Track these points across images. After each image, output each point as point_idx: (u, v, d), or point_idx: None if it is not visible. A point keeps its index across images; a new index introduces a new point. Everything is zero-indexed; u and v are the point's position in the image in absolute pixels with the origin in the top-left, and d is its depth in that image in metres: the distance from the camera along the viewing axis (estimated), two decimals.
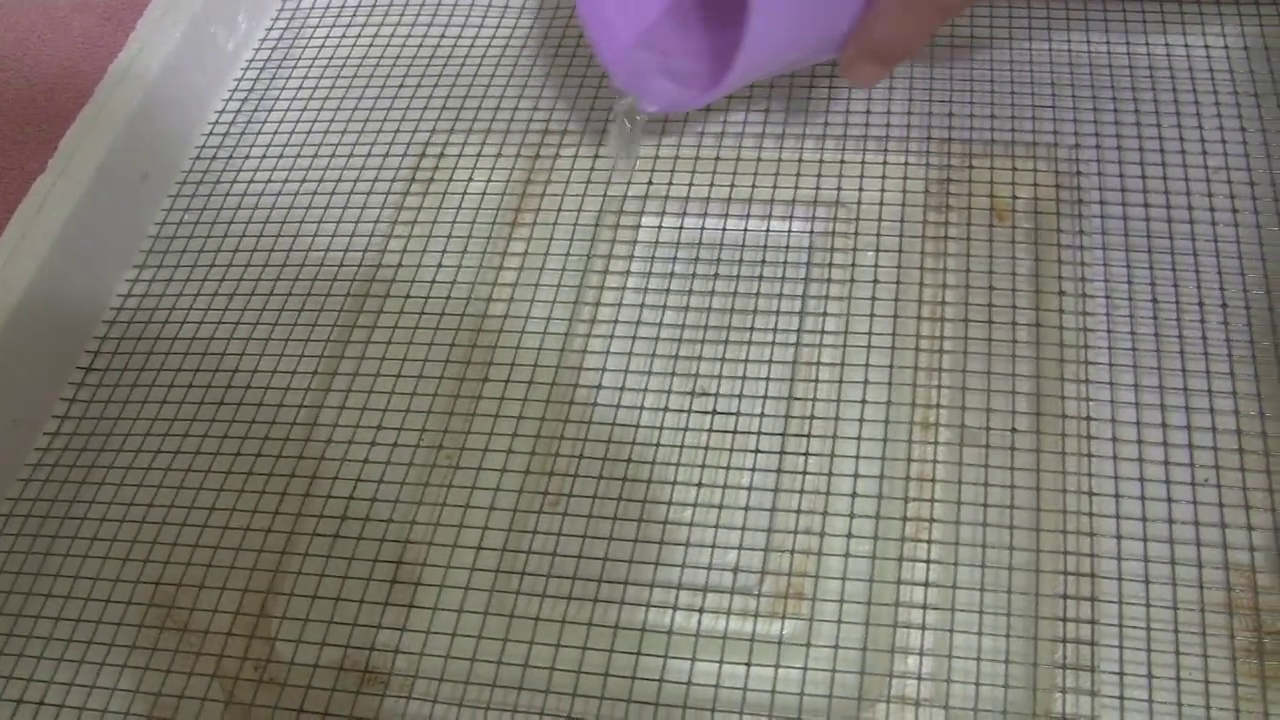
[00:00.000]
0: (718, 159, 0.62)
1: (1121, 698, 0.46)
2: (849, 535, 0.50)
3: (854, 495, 0.51)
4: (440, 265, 0.61)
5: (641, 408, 0.55)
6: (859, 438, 0.53)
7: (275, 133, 0.68)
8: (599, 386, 0.55)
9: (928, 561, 0.50)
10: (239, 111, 0.70)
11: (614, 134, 0.56)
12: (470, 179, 0.64)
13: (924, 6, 0.46)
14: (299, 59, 0.72)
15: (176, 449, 0.57)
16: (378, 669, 0.50)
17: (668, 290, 0.58)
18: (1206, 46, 0.63)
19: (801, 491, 0.52)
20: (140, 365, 0.60)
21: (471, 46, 0.70)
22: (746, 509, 0.52)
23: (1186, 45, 0.63)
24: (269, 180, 0.66)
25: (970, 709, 0.46)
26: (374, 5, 0.73)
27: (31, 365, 0.58)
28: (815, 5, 0.48)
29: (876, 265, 0.57)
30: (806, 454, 0.53)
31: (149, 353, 0.61)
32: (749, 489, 0.52)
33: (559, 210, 0.62)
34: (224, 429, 0.57)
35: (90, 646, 0.52)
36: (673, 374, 0.55)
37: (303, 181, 0.66)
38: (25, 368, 0.58)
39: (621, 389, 0.55)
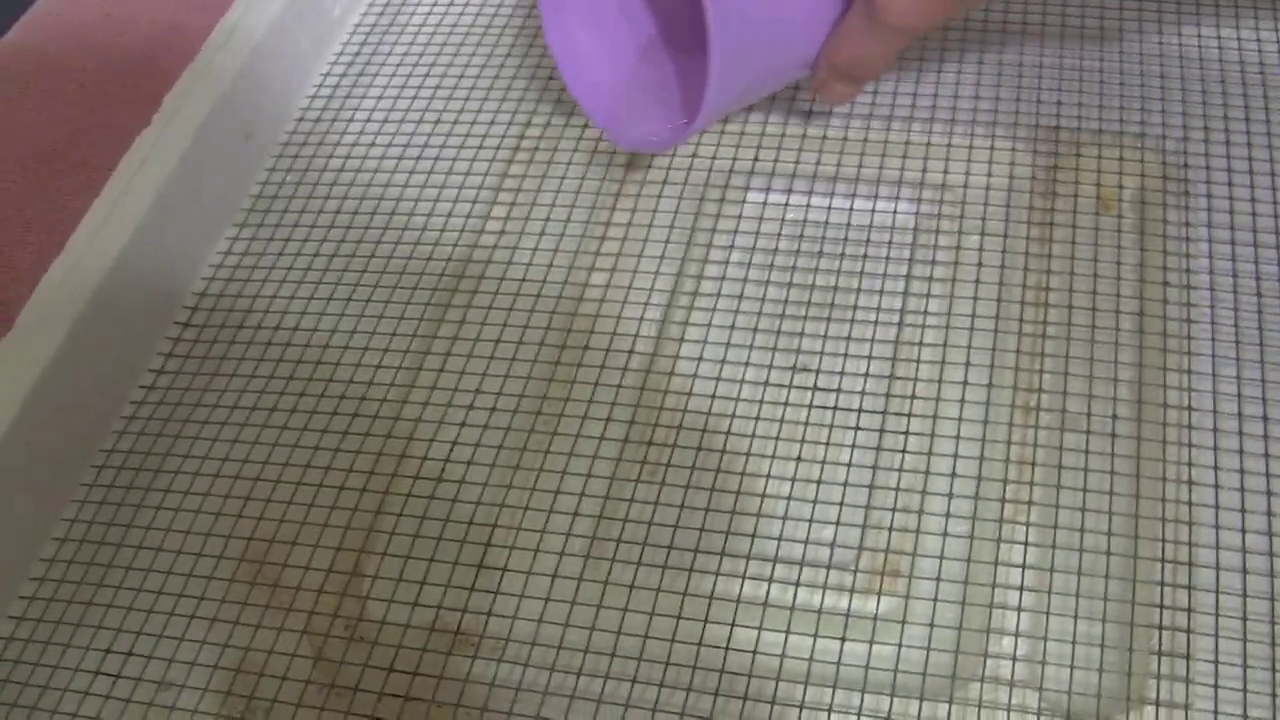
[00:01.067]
0: (824, 138, 0.62)
1: (1216, 685, 0.46)
2: (947, 515, 0.50)
3: (953, 475, 0.51)
4: (541, 236, 0.61)
5: (741, 381, 0.55)
6: (959, 419, 0.53)
7: (379, 99, 0.69)
8: (700, 359, 0.55)
9: (1025, 544, 0.49)
10: (343, 76, 0.71)
11: None
12: (575, 150, 0.64)
13: (884, 30, 0.47)
14: (406, 25, 0.73)
15: (272, 407, 0.57)
16: (469, 631, 0.50)
17: (771, 266, 0.58)
18: None
19: (900, 470, 0.52)
20: (238, 323, 0.61)
21: None
22: (845, 485, 0.51)
23: None
24: (371, 146, 0.66)
25: (1064, 691, 0.46)
26: None
27: (129, 321, 0.59)
28: (774, 39, 0.48)
29: (981, 249, 0.57)
30: (906, 433, 0.52)
31: (247, 310, 0.61)
32: (848, 465, 0.52)
33: (663, 183, 0.62)
34: (320, 389, 0.58)
35: (180, 599, 0.53)
36: (774, 349, 0.55)
37: (405, 149, 0.66)
38: (123, 324, 0.58)
39: (722, 362, 0.55)
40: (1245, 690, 0.46)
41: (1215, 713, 0.45)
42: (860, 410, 0.54)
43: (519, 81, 0.68)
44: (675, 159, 0.63)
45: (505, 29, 0.71)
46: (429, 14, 0.73)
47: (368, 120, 0.68)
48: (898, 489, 0.51)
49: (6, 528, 0.54)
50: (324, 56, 0.71)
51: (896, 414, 0.53)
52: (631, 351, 0.57)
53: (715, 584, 0.50)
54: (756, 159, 0.62)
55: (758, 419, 0.54)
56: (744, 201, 0.60)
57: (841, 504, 0.51)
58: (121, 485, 0.57)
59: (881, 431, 0.53)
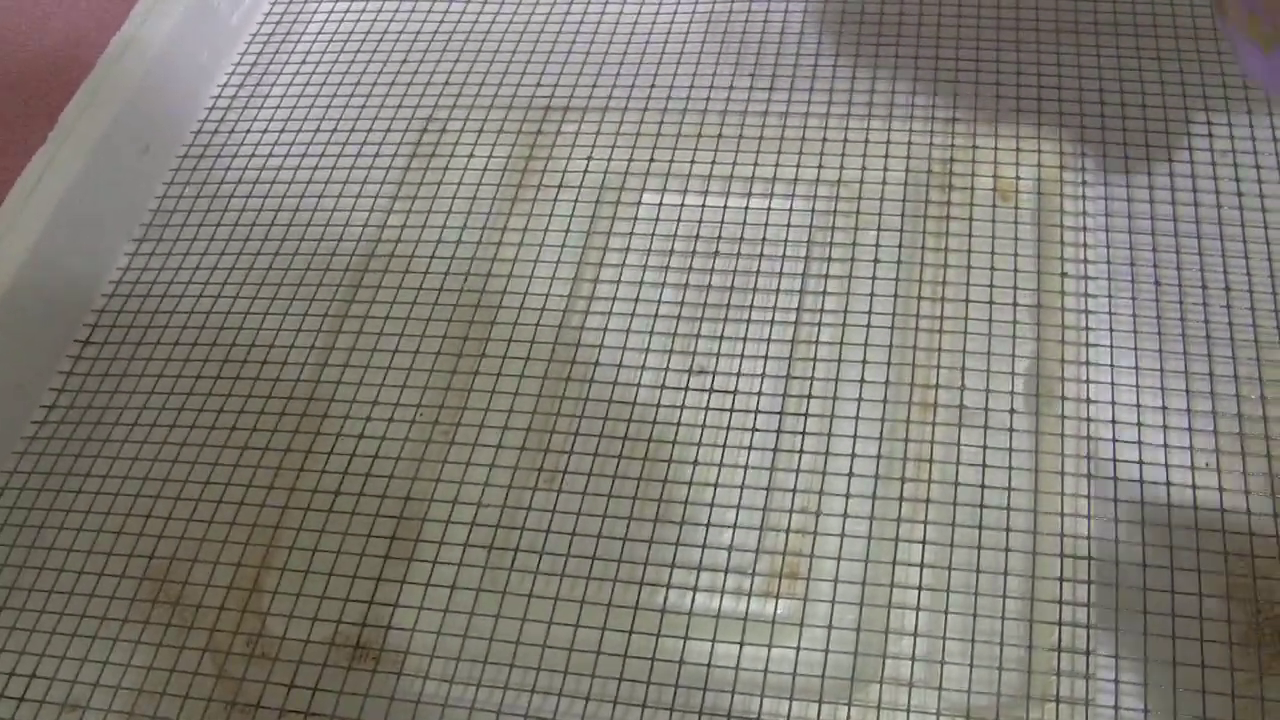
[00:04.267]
0: (720, 135, 0.62)
1: (1117, 680, 0.46)
2: (845, 515, 0.50)
3: (850, 475, 0.51)
4: (440, 240, 0.61)
5: (639, 385, 0.55)
6: (857, 417, 0.53)
7: (278, 107, 0.68)
8: (596, 364, 0.55)
9: (923, 543, 0.49)
10: (242, 85, 0.70)
11: None
12: (471, 154, 0.64)
13: None
14: (302, 34, 0.72)
15: (173, 422, 0.57)
16: (369, 645, 0.50)
17: (667, 267, 0.58)
18: (1217, 39, 0.62)
19: (798, 470, 0.51)
20: (138, 339, 0.60)
21: (475, 23, 0.70)
22: (742, 487, 0.51)
23: (1196, 34, 0.62)
24: (270, 155, 0.66)
25: (964, 690, 0.46)
26: None
27: (29, 340, 0.58)
28: None
29: (878, 245, 0.57)
30: (803, 433, 0.52)
31: (147, 326, 0.60)
32: (745, 467, 0.52)
33: (559, 186, 0.61)
34: (220, 403, 0.57)
35: (83, 620, 0.52)
36: (670, 351, 0.55)
37: (304, 156, 0.65)
38: (23, 342, 0.58)
39: (619, 366, 0.55)
40: (1145, 684, 0.46)
41: (1116, 708, 0.45)
42: (757, 411, 0.53)
43: (415, 86, 0.68)
44: (571, 160, 0.62)
45: (400, 35, 0.71)
46: (325, 21, 0.72)
47: (266, 128, 0.67)
48: (795, 490, 0.51)
49: None
50: (222, 67, 0.71)
51: (793, 414, 0.53)
52: (528, 359, 0.57)
53: (613, 591, 0.50)
54: (652, 159, 0.61)
55: (654, 423, 0.54)
56: (639, 203, 0.60)
57: (739, 506, 0.51)
58: (24, 506, 0.56)
59: (779, 432, 0.53)
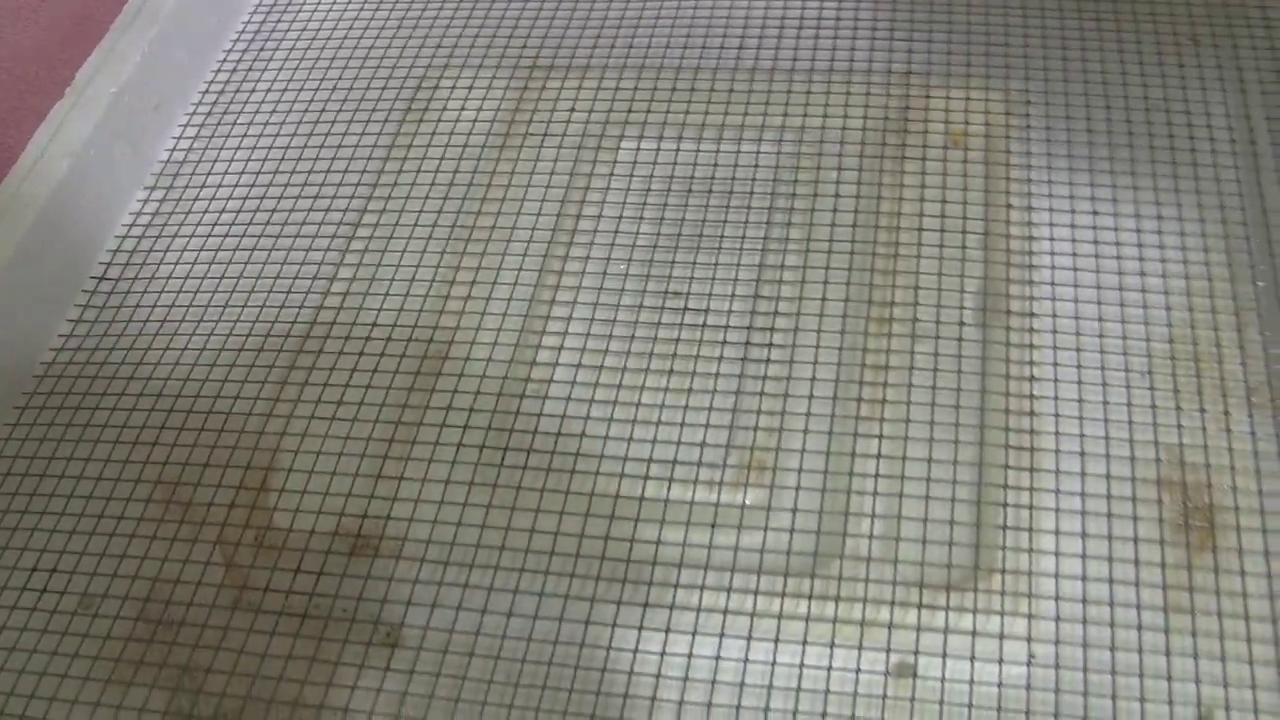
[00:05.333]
0: (692, 90, 0.66)
1: (1057, 553, 0.50)
2: (808, 414, 0.54)
3: (813, 379, 0.55)
4: (434, 183, 0.65)
5: (618, 305, 0.59)
6: (819, 330, 0.57)
7: (280, 69, 0.73)
8: (579, 288, 0.60)
9: (879, 437, 0.54)
10: (246, 50, 0.75)
11: None
12: (457, 120, 0.68)
13: None
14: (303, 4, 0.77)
15: (184, 346, 0.61)
16: (370, 534, 0.54)
17: (644, 204, 0.62)
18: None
19: (765, 378, 0.56)
20: (151, 274, 0.64)
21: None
22: (714, 392, 0.55)
23: None
24: (275, 109, 0.71)
25: (918, 563, 0.50)
26: None
27: (53, 265, 0.62)
28: None
29: (838, 182, 0.62)
30: (770, 345, 0.57)
31: (159, 262, 0.65)
32: (716, 375, 0.56)
33: (545, 135, 0.66)
34: (229, 328, 0.61)
35: (100, 520, 0.56)
36: (648, 276, 0.59)
37: (305, 112, 0.70)
38: (46, 269, 0.62)
39: (599, 289, 0.59)
40: (1084, 556, 0.50)
41: (1056, 575, 0.49)
42: (727, 327, 0.58)
43: (412, 42, 0.72)
44: (556, 112, 0.67)
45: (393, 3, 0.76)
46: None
47: (270, 88, 0.72)
48: (762, 393, 0.55)
49: None
50: (227, 34, 0.75)
51: (761, 329, 0.57)
52: (515, 284, 0.61)
53: (595, 483, 0.54)
54: (630, 110, 0.66)
55: (632, 337, 0.58)
56: (618, 149, 0.65)
57: (710, 408, 0.55)
58: (43, 423, 0.60)
59: (747, 344, 0.57)
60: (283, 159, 0.68)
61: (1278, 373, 0.53)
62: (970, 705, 0.47)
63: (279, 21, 0.77)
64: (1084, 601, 0.49)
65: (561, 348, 0.58)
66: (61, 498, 0.58)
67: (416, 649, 0.51)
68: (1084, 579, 0.49)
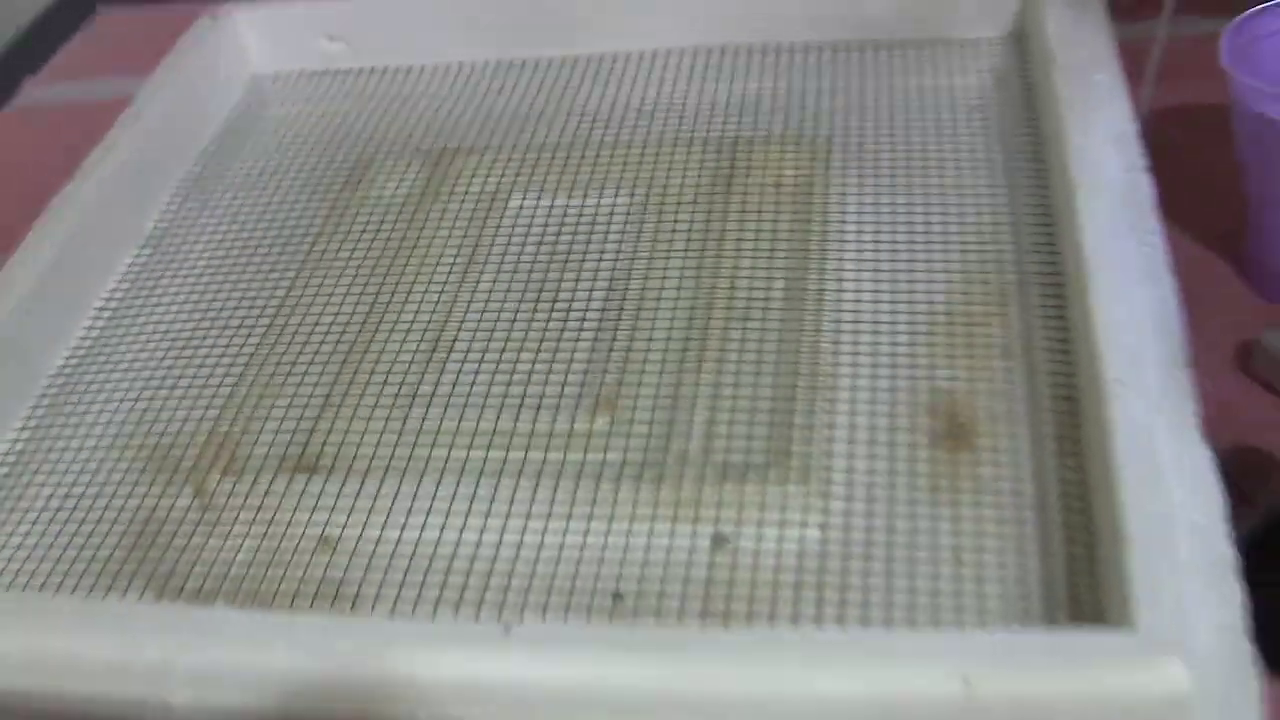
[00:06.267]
0: (554, 158, 0.85)
1: (850, 457, 0.64)
2: (643, 366, 0.69)
3: (650, 341, 0.71)
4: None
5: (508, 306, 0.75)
6: (658, 307, 0.72)
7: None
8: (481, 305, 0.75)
9: (701, 375, 0.68)
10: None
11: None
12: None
13: None
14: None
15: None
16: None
17: (518, 260, 0.79)
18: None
19: (614, 342, 0.71)
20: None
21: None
22: (571, 362, 0.71)
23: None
24: None
25: (734, 464, 0.63)
26: None
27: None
28: None
29: (676, 216, 0.78)
30: (618, 320, 0.72)
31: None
32: (573, 350, 0.71)
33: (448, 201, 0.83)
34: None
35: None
36: (527, 284, 0.76)
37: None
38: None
39: (498, 300, 0.75)
40: (871, 457, 0.63)
41: (848, 471, 0.63)
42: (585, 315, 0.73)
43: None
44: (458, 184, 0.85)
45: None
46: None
47: None
48: (611, 350, 0.70)
49: None
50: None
51: (613, 309, 0.73)
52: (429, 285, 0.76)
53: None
54: (518, 176, 0.84)
55: (513, 323, 0.74)
56: (506, 208, 0.82)
57: (569, 369, 0.70)
58: None
59: (600, 325, 0.72)
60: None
61: (1020, 334, 0.67)
62: (777, 567, 0.59)
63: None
64: (869, 485, 0.62)
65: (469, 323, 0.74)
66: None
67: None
68: (871, 472, 0.62)
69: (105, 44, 1.15)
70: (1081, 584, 0.55)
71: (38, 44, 1.14)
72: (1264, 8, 0.69)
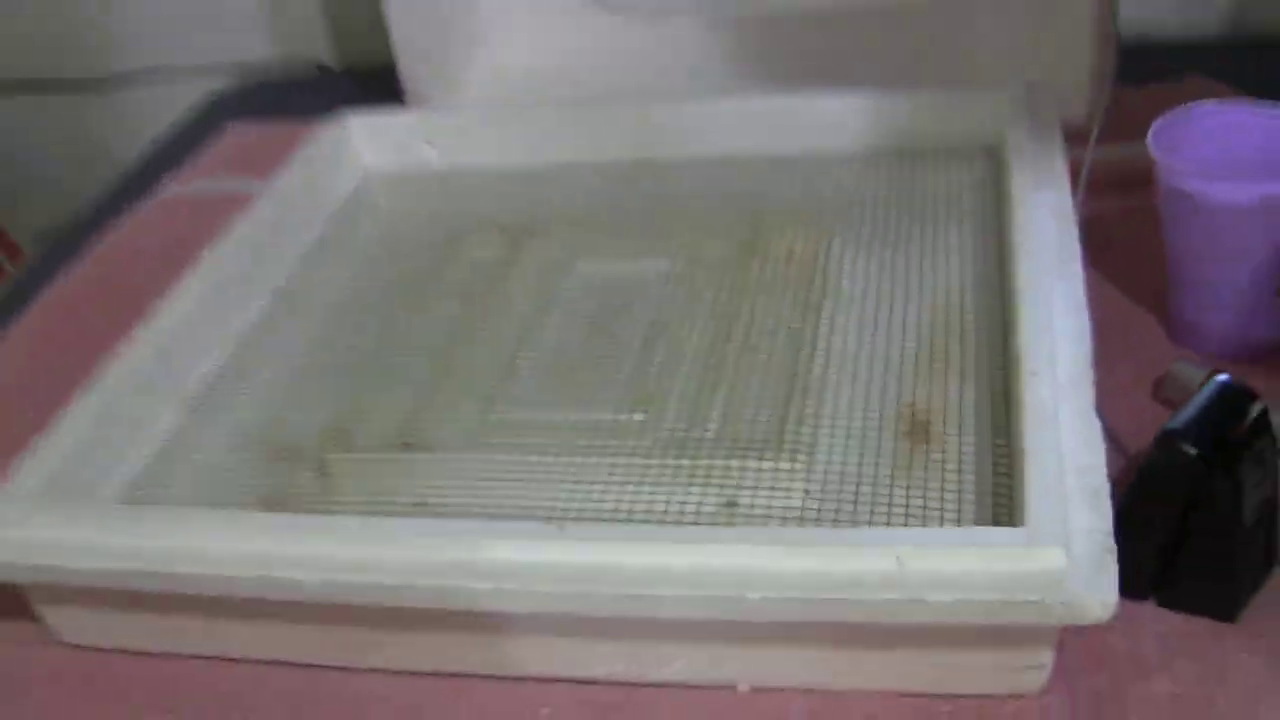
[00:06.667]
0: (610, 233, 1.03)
1: (830, 444, 0.80)
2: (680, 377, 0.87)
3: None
4: None
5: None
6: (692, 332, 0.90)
7: None
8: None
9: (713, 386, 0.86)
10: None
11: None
12: None
13: None
14: None
15: None
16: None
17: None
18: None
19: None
20: None
21: None
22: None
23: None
24: None
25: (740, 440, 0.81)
26: None
27: None
28: None
29: (706, 274, 0.97)
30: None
31: None
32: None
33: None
34: None
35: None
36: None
37: None
38: None
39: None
40: (846, 442, 0.81)
41: (829, 450, 0.79)
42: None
43: None
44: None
45: None
46: None
47: None
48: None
49: None
50: None
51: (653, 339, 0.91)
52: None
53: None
54: (580, 246, 1.03)
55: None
56: (571, 269, 1.01)
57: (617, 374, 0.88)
58: None
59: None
60: None
61: (972, 362, 0.84)
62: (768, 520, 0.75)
63: None
64: (843, 464, 0.78)
65: None
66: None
67: None
68: (846, 452, 0.79)
69: (231, 151, 1.33)
70: (1004, 520, 0.71)
71: (178, 149, 1.34)
72: (1188, 106, 0.86)
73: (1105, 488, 0.66)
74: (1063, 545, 0.61)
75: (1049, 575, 0.61)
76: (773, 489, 0.75)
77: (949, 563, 0.62)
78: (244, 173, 1.23)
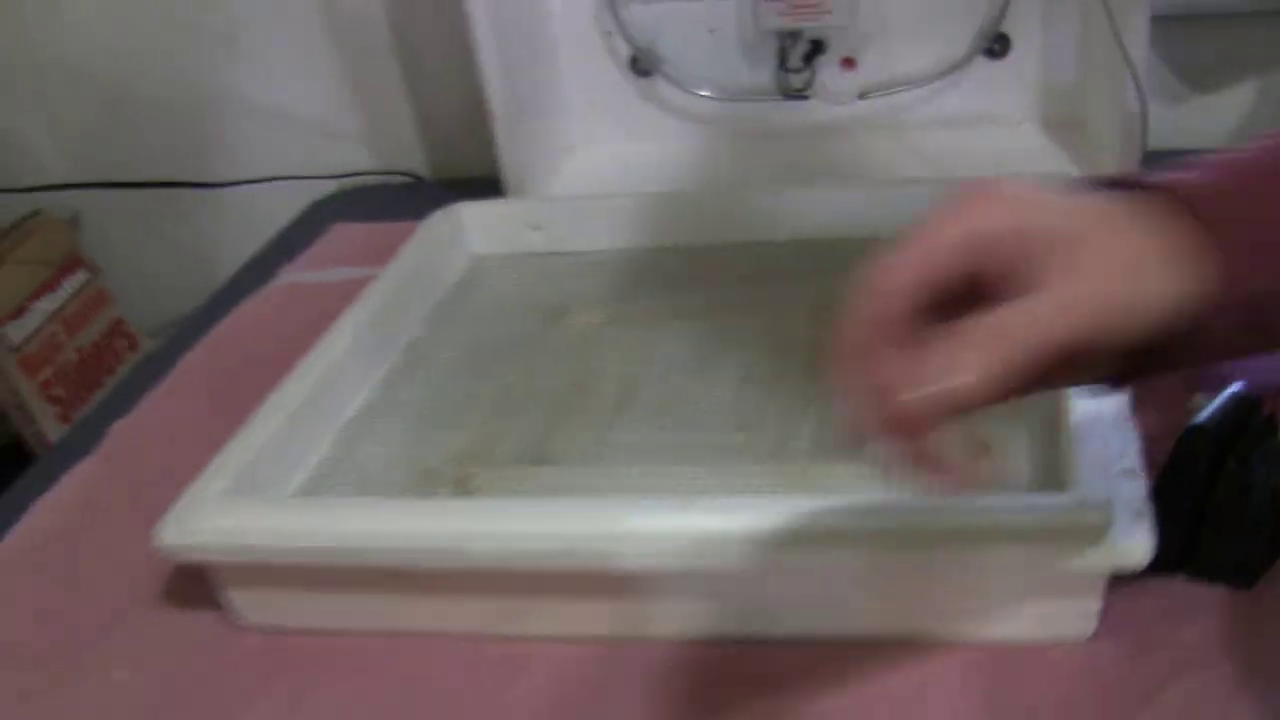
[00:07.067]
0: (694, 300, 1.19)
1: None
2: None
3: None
4: None
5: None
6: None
7: None
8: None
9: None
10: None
11: None
12: None
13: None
14: None
15: None
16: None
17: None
18: None
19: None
20: None
21: None
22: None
23: None
24: None
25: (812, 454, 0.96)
26: None
27: None
28: None
29: (800, 326, 1.12)
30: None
31: None
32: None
33: None
34: None
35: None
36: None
37: None
38: None
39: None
40: None
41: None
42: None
43: None
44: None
45: None
46: None
47: None
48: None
49: None
50: None
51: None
52: None
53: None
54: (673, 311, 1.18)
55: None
56: (665, 326, 1.16)
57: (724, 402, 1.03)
58: None
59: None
60: None
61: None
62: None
63: None
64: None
65: None
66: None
67: None
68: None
69: (340, 246, 1.45)
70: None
71: (291, 243, 1.48)
72: None
73: (1139, 467, 0.79)
74: (1105, 507, 0.75)
75: (1097, 530, 0.75)
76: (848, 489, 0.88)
77: (1017, 521, 0.77)
78: (353, 264, 1.33)
